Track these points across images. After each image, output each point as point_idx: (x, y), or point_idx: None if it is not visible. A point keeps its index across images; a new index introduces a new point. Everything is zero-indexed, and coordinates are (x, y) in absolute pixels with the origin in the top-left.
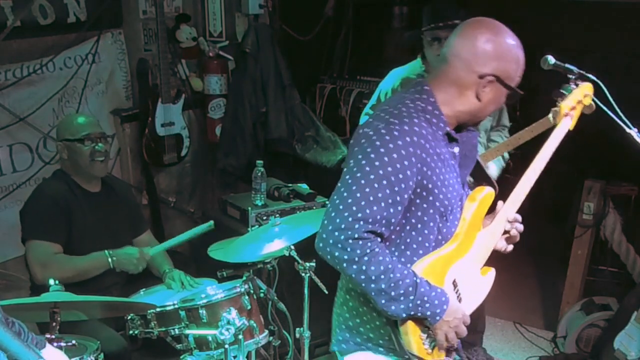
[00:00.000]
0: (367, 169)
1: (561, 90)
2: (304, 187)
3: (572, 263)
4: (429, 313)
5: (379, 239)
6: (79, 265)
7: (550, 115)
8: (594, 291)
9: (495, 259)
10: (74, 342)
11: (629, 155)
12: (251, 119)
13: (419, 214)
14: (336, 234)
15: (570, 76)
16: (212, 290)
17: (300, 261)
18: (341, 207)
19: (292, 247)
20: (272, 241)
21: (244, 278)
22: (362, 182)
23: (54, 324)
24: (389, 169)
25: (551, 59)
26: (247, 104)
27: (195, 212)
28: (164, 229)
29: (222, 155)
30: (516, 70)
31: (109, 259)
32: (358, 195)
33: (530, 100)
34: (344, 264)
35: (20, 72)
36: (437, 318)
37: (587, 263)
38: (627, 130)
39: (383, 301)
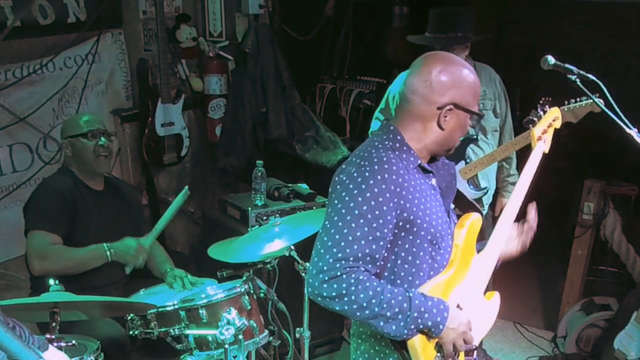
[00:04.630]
0: (343, 211)
1: (531, 117)
2: (304, 187)
3: (572, 263)
4: (430, 323)
5: (362, 269)
6: (76, 257)
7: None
8: (594, 291)
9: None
10: (74, 342)
11: (629, 155)
12: (251, 119)
13: (407, 246)
14: (320, 276)
15: (542, 101)
16: (212, 290)
17: (300, 261)
18: (322, 250)
19: (292, 247)
20: (272, 241)
21: (244, 278)
22: (340, 224)
23: (54, 324)
24: (364, 207)
25: (551, 59)
26: (247, 104)
27: (195, 212)
28: (164, 229)
29: (222, 155)
30: (473, 94)
31: (107, 252)
32: (337, 237)
33: (530, 100)
34: (336, 300)
35: (20, 72)
36: (441, 327)
37: (587, 263)
38: (627, 130)
39: (382, 324)
